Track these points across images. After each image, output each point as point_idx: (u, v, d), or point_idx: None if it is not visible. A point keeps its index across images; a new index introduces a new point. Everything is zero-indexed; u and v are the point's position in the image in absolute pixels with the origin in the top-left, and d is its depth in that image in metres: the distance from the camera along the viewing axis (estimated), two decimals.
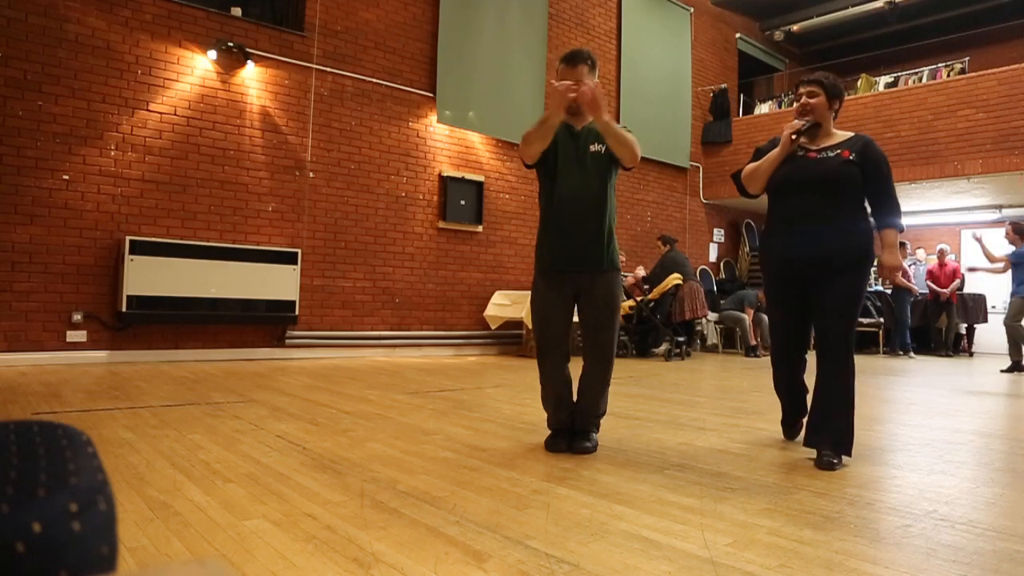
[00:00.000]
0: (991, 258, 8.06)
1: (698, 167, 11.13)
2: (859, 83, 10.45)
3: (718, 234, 11.63)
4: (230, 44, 6.19)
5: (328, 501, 2.02)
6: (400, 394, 4.35)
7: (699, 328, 9.55)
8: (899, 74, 10.65)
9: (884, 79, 10.66)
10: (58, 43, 5.41)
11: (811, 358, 2.92)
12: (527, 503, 2.07)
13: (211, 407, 3.60)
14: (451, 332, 7.78)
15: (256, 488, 2.13)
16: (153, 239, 5.70)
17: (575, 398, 2.94)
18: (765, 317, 8.80)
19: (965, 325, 10.74)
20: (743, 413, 4.00)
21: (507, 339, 8.17)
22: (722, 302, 9.74)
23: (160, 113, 5.92)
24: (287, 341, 6.51)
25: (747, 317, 9.04)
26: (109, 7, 5.65)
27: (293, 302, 6.40)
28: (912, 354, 9.84)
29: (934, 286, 10.14)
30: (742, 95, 12.09)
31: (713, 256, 11.52)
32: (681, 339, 8.22)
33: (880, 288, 10.84)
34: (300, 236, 6.66)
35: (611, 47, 9.73)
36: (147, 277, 5.59)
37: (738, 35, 11.98)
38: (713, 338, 10.40)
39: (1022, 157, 8.17)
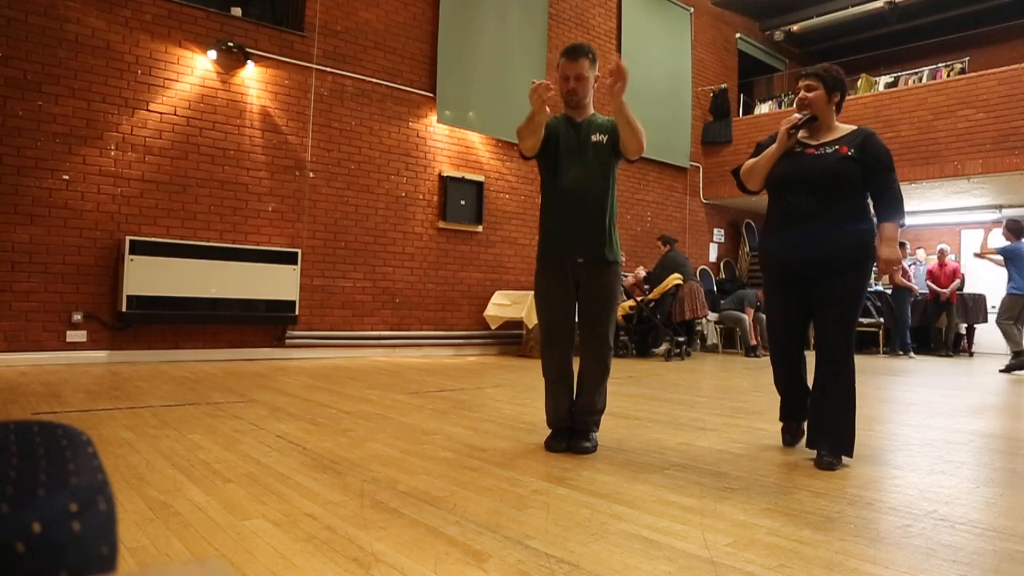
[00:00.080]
0: (984, 249, 8.10)
1: (698, 167, 11.13)
2: (859, 83, 10.46)
3: (718, 234, 11.63)
4: (230, 44, 6.19)
5: (328, 501, 2.02)
6: (400, 394, 4.35)
7: (699, 328, 9.55)
8: (899, 74, 10.66)
9: (884, 79, 10.67)
10: (58, 43, 5.41)
11: (810, 357, 2.90)
12: (527, 503, 2.07)
13: (211, 407, 3.60)
14: (451, 332, 7.78)
15: (256, 488, 2.13)
16: (153, 239, 5.70)
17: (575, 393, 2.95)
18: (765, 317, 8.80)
19: (965, 325, 10.74)
20: (743, 413, 4.00)
21: (507, 339, 8.17)
22: (722, 302, 9.74)
23: (160, 113, 5.92)
24: (287, 341, 6.51)
25: (747, 317, 9.04)
26: (109, 7, 5.65)
27: (293, 302, 6.40)
28: (912, 354, 9.84)
29: (934, 286, 10.14)
30: (742, 95, 12.10)
31: (713, 256, 11.52)
32: (681, 339, 8.22)
33: (880, 288, 10.84)
34: (300, 236, 6.66)
35: (611, 47, 9.73)
36: (147, 277, 5.59)
37: (738, 35, 11.98)
38: (713, 338, 10.40)
39: (1022, 157, 8.17)
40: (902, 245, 10.15)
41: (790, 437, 3.05)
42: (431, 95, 7.62)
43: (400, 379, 5.19)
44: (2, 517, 0.48)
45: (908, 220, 11.96)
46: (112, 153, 5.67)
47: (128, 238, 5.55)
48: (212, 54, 6.14)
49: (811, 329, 2.94)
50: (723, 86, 11.24)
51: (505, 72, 8.18)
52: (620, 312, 7.92)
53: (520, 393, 4.57)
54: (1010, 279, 7.59)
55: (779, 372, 3.03)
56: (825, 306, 2.75)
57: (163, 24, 5.93)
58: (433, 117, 7.66)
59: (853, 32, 11.88)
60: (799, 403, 3.02)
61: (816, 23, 11.51)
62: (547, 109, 2.77)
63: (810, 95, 2.83)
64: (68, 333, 5.43)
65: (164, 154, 5.93)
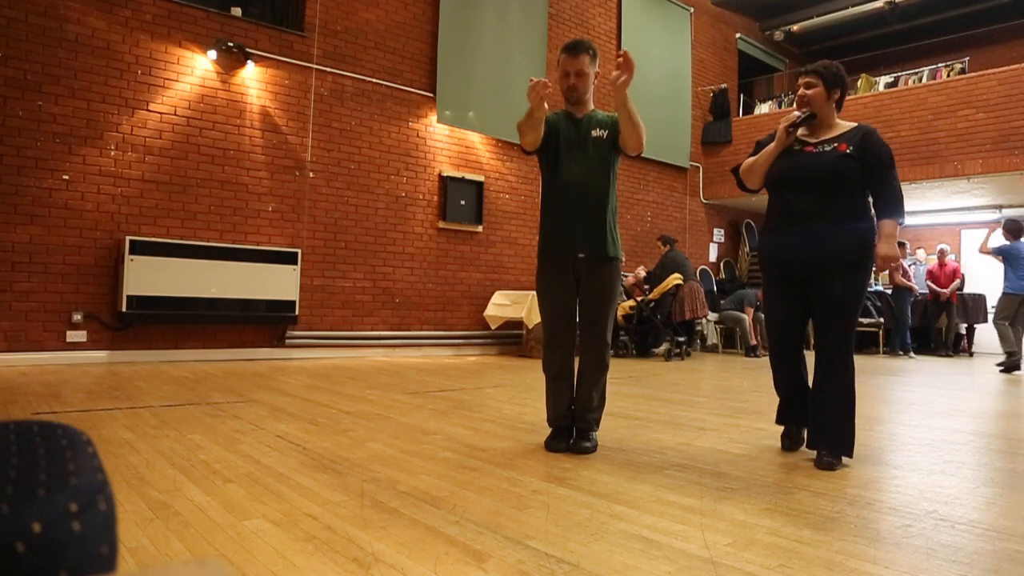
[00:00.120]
0: (984, 248, 8.13)
1: (698, 167, 11.13)
2: (859, 83, 10.46)
3: (718, 234, 11.63)
4: (230, 44, 6.19)
5: (328, 501, 2.02)
6: (400, 394, 4.35)
7: (699, 328, 9.55)
8: (899, 74, 10.66)
9: (884, 79, 10.67)
10: (58, 43, 5.41)
11: (809, 357, 2.89)
12: (527, 503, 2.07)
13: (211, 407, 3.60)
14: (451, 332, 7.78)
15: (256, 488, 2.13)
16: (153, 239, 5.70)
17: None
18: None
19: (965, 325, 10.74)
20: (743, 413, 4.00)
21: (507, 339, 8.17)
22: (722, 302, 9.74)
23: (160, 113, 5.92)
24: (287, 341, 6.51)
25: (747, 317, 9.04)
26: (109, 7, 5.65)
27: (293, 302, 6.40)
28: (912, 354, 9.84)
29: (934, 286, 10.14)
30: (742, 95, 12.10)
31: (713, 256, 11.52)
32: (681, 339, 8.22)
33: (880, 288, 10.84)
34: (300, 236, 6.66)
35: (611, 47, 9.72)
36: (147, 277, 5.59)
37: (738, 35, 11.99)
38: (713, 338, 10.40)
39: (1022, 157, 8.17)
40: (902, 245, 10.15)
41: (789, 442, 2.97)
42: (431, 95, 7.62)
43: (400, 379, 5.19)
44: (2, 517, 0.48)
45: (908, 220, 11.95)
46: (112, 153, 5.67)
47: (128, 238, 5.55)
48: (212, 54, 6.14)
49: (810, 329, 2.92)
50: (723, 86, 11.24)
51: (505, 72, 8.18)
52: (620, 312, 7.92)
53: (520, 393, 4.57)
54: (1006, 278, 7.60)
55: (778, 373, 2.98)
56: (825, 306, 2.73)
57: (163, 24, 5.93)
58: (433, 117, 7.66)
59: (853, 32, 11.89)
60: (799, 406, 2.95)
61: (816, 23, 11.51)
62: (545, 106, 2.77)
63: (809, 92, 2.80)
64: (68, 333, 5.43)
65: (164, 154, 5.93)
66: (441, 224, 7.73)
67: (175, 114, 6.00)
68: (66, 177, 5.46)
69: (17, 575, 0.47)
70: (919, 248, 11.60)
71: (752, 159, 2.94)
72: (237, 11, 6.36)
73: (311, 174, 6.77)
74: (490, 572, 1.52)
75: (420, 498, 2.07)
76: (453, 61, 7.73)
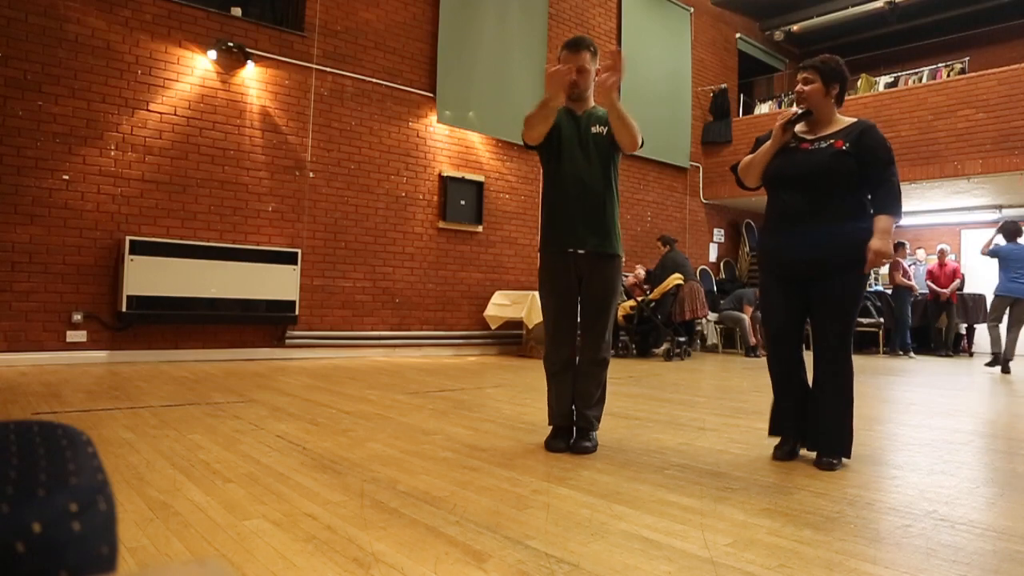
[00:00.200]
0: (985, 248, 8.15)
1: (698, 167, 11.13)
2: (859, 83, 10.46)
3: (718, 234, 11.63)
4: (230, 44, 6.19)
5: (328, 501, 2.02)
6: (400, 394, 4.35)
7: (699, 328, 9.55)
8: (899, 74, 10.66)
9: (884, 79, 10.67)
10: (58, 43, 5.41)
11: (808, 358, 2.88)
12: (527, 503, 2.07)
13: (211, 407, 3.60)
14: (451, 332, 7.78)
15: (256, 488, 2.13)
16: (153, 239, 5.70)
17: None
18: None
19: (965, 325, 10.74)
20: (743, 413, 4.00)
21: (507, 339, 8.17)
22: (721, 302, 9.74)
23: (160, 113, 5.92)
24: (287, 341, 6.51)
25: (746, 317, 9.04)
26: (109, 7, 5.65)
27: (293, 302, 6.40)
28: (912, 354, 9.84)
29: (934, 286, 10.14)
30: (742, 95, 12.10)
31: (713, 256, 11.52)
32: (682, 339, 8.22)
33: (880, 288, 10.84)
34: (300, 236, 6.66)
35: (611, 47, 9.72)
36: (147, 277, 5.59)
37: (738, 35, 11.99)
38: (713, 338, 10.40)
39: (1022, 157, 8.17)
40: (901, 245, 10.14)
41: (781, 454, 2.79)
42: (431, 95, 7.62)
43: (400, 379, 5.19)
44: (2, 517, 0.48)
45: (908, 220, 11.95)
46: (112, 153, 5.67)
47: (128, 238, 5.55)
48: (212, 54, 6.14)
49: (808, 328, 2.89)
50: (723, 86, 11.24)
51: (505, 72, 8.18)
52: (621, 312, 7.92)
53: (520, 393, 4.57)
54: (998, 279, 7.63)
55: (776, 376, 2.87)
56: (823, 306, 2.70)
57: (163, 24, 5.93)
58: (433, 117, 7.66)
59: (853, 32, 11.89)
60: (793, 417, 2.80)
61: (816, 23, 11.51)
62: (562, 96, 2.75)
63: (807, 88, 2.76)
64: (68, 333, 5.43)
65: (164, 154, 5.93)
66: (441, 224, 7.73)
67: (175, 114, 6.00)
68: (66, 177, 5.46)
69: (17, 575, 0.47)
70: (919, 248, 11.60)
71: (750, 157, 2.90)
72: (237, 11, 6.36)
73: (311, 174, 6.77)
74: (490, 572, 1.52)
75: (420, 498, 2.07)
76: (453, 61, 7.73)
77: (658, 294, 8.06)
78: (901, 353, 9.80)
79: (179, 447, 2.65)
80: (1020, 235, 7.58)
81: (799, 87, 2.79)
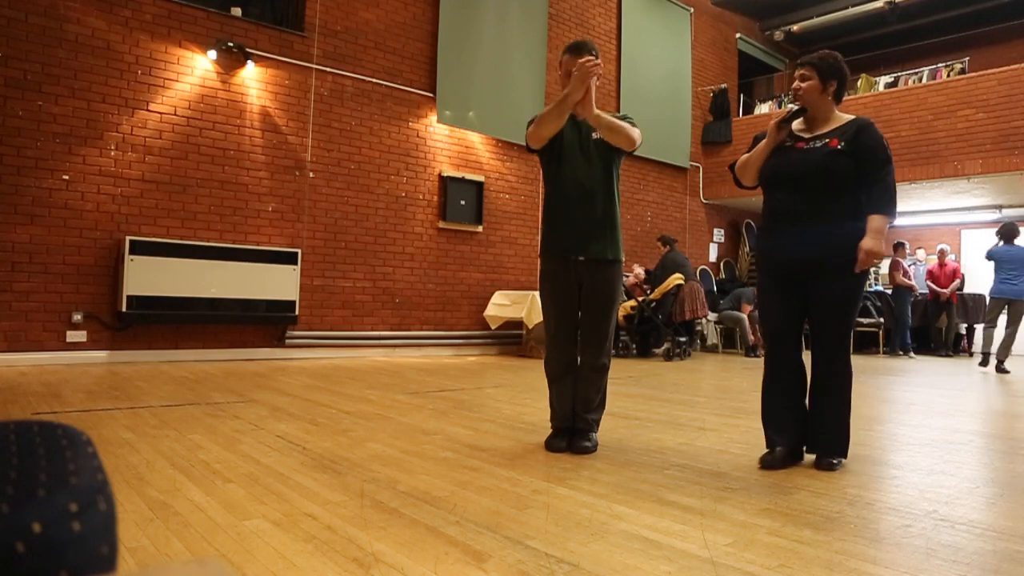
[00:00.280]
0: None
1: (698, 167, 11.13)
2: (859, 83, 10.46)
3: (718, 234, 11.63)
4: (230, 44, 6.19)
5: (328, 501, 2.02)
6: (400, 394, 4.35)
7: (699, 328, 9.55)
8: (899, 74, 10.66)
9: (884, 79, 10.67)
10: (58, 43, 5.41)
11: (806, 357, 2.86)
12: (527, 503, 2.07)
13: (211, 407, 3.60)
14: (451, 332, 7.78)
15: (256, 488, 2.13)
16: (153, 239, 5.70)
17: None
18: None
19: (965, 325, 10.74)
20: (743, 413, 4.00)
21: (507, 339, 8.17)
22: (721, 302, 9.74)
23: (160, 113, 5.92)
24: (287, 341, 6.51)
25: (745, 316, 9.04)
26: (109, 7, 5.65)
27: (293, 302, 6.40)
28: (912, 354, 9.84)
29: (934, 286, 10.14)
30: (742, 95, 12.10)
31: (713, 256, 11.52)
32: (683, 339, 8.22)
33: (880, 288, 10.83)
34: (300, 236, 6.66)
35: (611, 47, 9.73)
36: (147, 277, 5.59)
37: (738, 35, 11.98)
38: (713, 338, 10.40)
39: (1022, 157, 8.17)
40: (901, 245, 10.14)
41: (771, 459, 2.65)
42: (431, 95, 7.62)
43: (400, 379, 5.19)
44: (2, 517, 0.48)
45: (908, 220, 11.95)
46: (112, 153, 5.67)
47: (128, 238, 5.55)
48: (212, 54, 6.14)
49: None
50: (723, 86, 11.24)
51: (505, 72, 8.18)
52: (622, 312, 7.92)
53: (520, 393, 4.57)
54: (995, 281, 7.67)
55: (772, 374, 2.76)
56: (822, 307, 2.67)
57: (163, 24, 5.93)
58: (433, 117, 7.66)
59: (853, 32, 11.89)
60: (788, 425, 2.68)
61: (816, 23, 11.51)
62: (582, 91, 2.70)
63: (803, 85, 2.71)
64: (68, 333, 5.43)
65: (164, 154, 5.93)
66: (441, 224, 7.73)
67: (175, 114, 6.00)
68: (66, 177, 5.46)
69: (17, 575, 0.47)
70: (919, 248, 11.60)
71: (747, 155, 2.86)
72: (237, 11, 6.36)
73: (311, 174, 6.77)
74: (490, 572, 1.52)
75: (420, 498, 2.07)
76: (453, 61, 7.73)
77: (659, 294, 8.05)
78: (901, 353, 9.80)
79: (179, 447, 2.65)
80: (1016, 237, 7.59)
81: (795, 84, 2.75)
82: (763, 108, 11.87)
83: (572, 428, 2.91)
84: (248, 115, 6.40)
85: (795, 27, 11.75)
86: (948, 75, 9.88)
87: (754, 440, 3.18)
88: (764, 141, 2.79)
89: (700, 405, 4.31)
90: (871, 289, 10.89)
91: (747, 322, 9.03)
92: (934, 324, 10.43)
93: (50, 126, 5.38)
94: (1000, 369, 7.42)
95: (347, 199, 7.00)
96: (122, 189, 5.71)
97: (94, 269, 5.56)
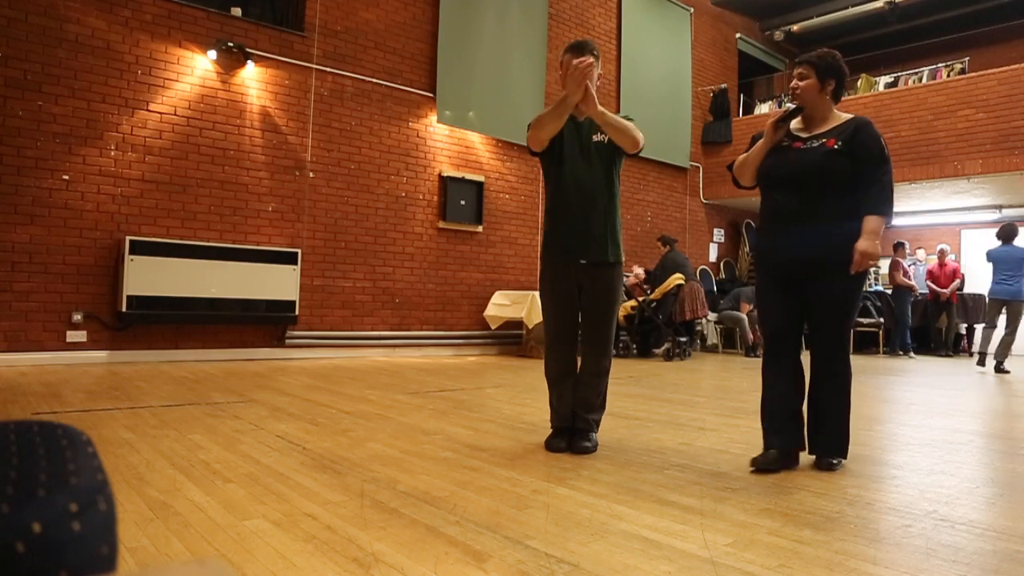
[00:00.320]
0: None
1: (698, 167, 11.13)
2: (859, 83, 10.46)
3: (718, 234, 11.63)
4: (230, 44, 6.19)
5: (328, 501, 2.02)
6: (400, 394, 4.35)
7: (699, 328, 9.55)
8: (899, 74, 10.66)
9: (884, 79, 10.67)
10: (58, 43, 5.41)
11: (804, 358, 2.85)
12: (527, 503, 2.07)
13: (211, 407, 3.60)
14: (451, 332, 7.78)
15: (256, 488, 2.13)
16: (153, 239, 5.70)
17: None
18: None
19: (965, 325, 10.74)
20: (743, 413, 4.00)
21: (507, 339, 8.17)
22: (720, 302, 9.74)
23: (160, 113, 5.92)
24: (287, 341, 6.51)
25: (745, 317, 9.04)
26: (109, 7, 5.65)
27: (293, 302, 6.40)
28: (912, 354, 9.84)
29: (934, 286, 10.14)
30: (742, 95, 12.10)
31: (713, 256, 11.52)
32: (683, 339, 8.22)
33: (880, 288, 10.83)
34: (300, 236, 6.66)
35: (611, 47, 9.73)
36: (147, 277, 5.59)
37: (738, 35, 11.98)
38: (713, 338, 10.40)
39: (1022, 157, 8.17)
40: (901, 245, 10.14)
41: (763, 461, 2.59)
42: (431, 95, 7.62)
43: (400, 379, 5.19)
44: (2, 517, 0.48)
45: (908, 220, 11.95)
46: (112, 153, 5.67)
47: (128, 238, 5.54)
48: (212, 54, 6.14)
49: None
50: (723, 86, 11.24)
51: (505, 72, 8.18)
52: (622, 313, 7.92)
53: (520, 393, 4.57)
54: (992, 282, 7.69)
55: (769, 374, 2.76)
56: (821, 307, 2.65)
57: (163, 24, 5.93)
58: (433, 117, 7.66)
59: (853, 32, 11.89)
60: (784, 426, 2.66)
61: (816, 23, 11.51)
62: (580, 93, 2.68)
63: (801, 84, 2.69)
64: (68, 333, 5.43)
65: (164, 154, 5.93)
66: (441, 224, 7.73)
67: (175, 114, 6.00)
68: (66, 177, 5.46)
69: (17, 575, 0.47)
70: (919, 248, 11.60)
71: (744, 155, 2.84)
72: (237, 11, 6.36)
73: (311, 174, 6.77)
74: (490, 572, 1.52)
75: (420, 498, 2.07)
76: (453, 61, 7.73)
77: (659, 294, 8.06)
78: (901, 353, 9.80)
79: (179, 447, 2.65)
80: (1014, 238, 7.60)
81: (793, 82, 2.73)
82: (763, 108, 11.88)
83: (572, 428, 2.91)
84: (248, 115, 6.40)
85: (795, 27, 11.76)
86: (948, 75, 9.89)
87: (754, 440, 3.18)
88: (761, 141, 2.77)
89: (700, 405, 4.31)
90: (871, 289, 10.89)
91: (747, 322, 9.03)
92: (934, 324, 10.43)
93: (50, 126, 5.38)
94: (1000, 369, 7.42)
95: (347, 199, 7.00)
96: (122, 189, 5.71)
97: (94, 269, 5.56)
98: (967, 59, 10.34)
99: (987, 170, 8.44)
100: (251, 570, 1.50)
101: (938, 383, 6.26)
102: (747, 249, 11.77)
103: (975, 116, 8.56)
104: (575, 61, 2.69)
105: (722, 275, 11.51)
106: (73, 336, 5.45)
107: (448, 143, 7.84)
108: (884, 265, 10.64)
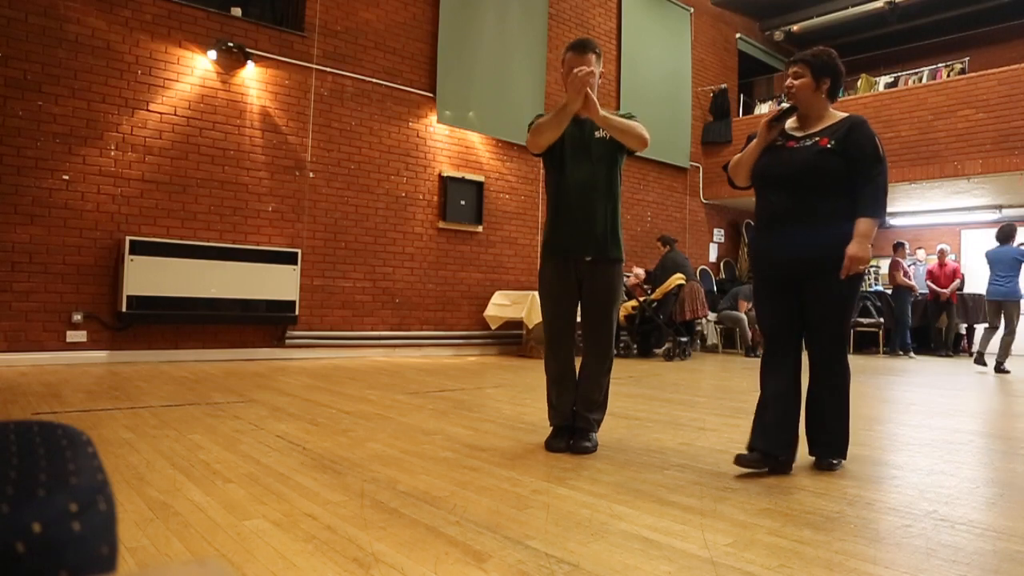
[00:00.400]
0: None
1: (698, 167, 11.13)
2: (859, 83, 10.46)
3: (718, 234, 11.63)
4: (230, 44, 6.19)
5: (328, 501, 2.02)
6: (400, 394, 4.35)
7: (699, 328, 9.56)
8: (899, 74, 10.66)
9: (884, 79, 10.67)
10: (58, 43, 5.41)
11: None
12: (527, 503, 2.07)
13: (211, 407, 3.60)
14: (451, 332, 7.78)
15: (256, 488, 2.13)
16: (153, 239, 5.70)
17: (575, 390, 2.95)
18: None
19: (965, 325, 10.75)
20: (743, 413, 4.00)
21: (507, 339, 8.17)
22: (720, 302, 9.75)
23: (160, 113, 5.92)
24: (287, 341, 6.51)
25: (744, 316, 9.04)
26: (109, 7, 5.65)
27: (293, 302, 6.40)
28: (912, 354, 9.84)
29: (934, 286, 10.14)
30: (742, 95, 12.10)
31: (713, 256, 11.52)
32: (684, 339, 8.22)
33: (880, 288, 10.83)
34: (300, 236, 6.66)
35: (611, 47, 9.73)
36: (147, 277, 5.59)
37: (738, 35, 11.99)
38: (713, 338, 10.40)
39: (1022, 157, 8.18)
40: (901, 245, 10.14)
41: (745, 459, 2.54)
42: (431, 95, 7.62)
43: (400, 379, 5.19)
44: (2, 517, 0.48)
45: (908, 220, 11.95)
46: (112, 153, 5.67)
47: (128, 238, 5.55)
48: (212, 54, 6.14)
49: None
50: (723, 86, 11.24)
51: (505, 72, 8.18)
52: (623, 313, 7.92)
53: (520, 393, 4.57)
54: (989, 282, 7.70)
55: (766, 375, 2.73)
56: (817, 308, 2.62)
57: (163, 24, 5.93)
58: (433, 117, 7.66)
59: (853, 32, 11.89)
60: (770, 429, 2.60)
61: (816, 23, 11.51)
62: (581, 101, 2.68)
63: (795, 83, 2.66)
64: (68, 333, 5.43)
65: (164, 154, 5.93)
66: (441, 224, 7.73)
67: (175, 114, 6.00)
68: (66, 177, 5.46)
69: (17, 575, 0.47)
70: (919, 248, 11.60)
71: (739, 155, 2.82)
72: (237, 11, 6.36)
73: (311, 174, 6.77)
74: (490, 572, 1.52)
75: (420, 498, 2.07)
76: (453, 61, 7.73)
77: (660, 294, 8.06)
78: (901, 353, 9.81)
79: (179, 447, 2.65)
80: (1010, 239, 7.60)
81: (788, 81, 2.70)
82: (763, 108, 11.88)
83: (573, 427, 2.91)
84: (248, 115, 6.40)
85: (795, 27, 11.75)
86: (948, 75, 9.89)
87: None
88: (755, 140, 2.75)
89: (700, 405, 4.31)
90: (871, 289, 10.89)
91: (746, 321, 9.03)
92: (934, 324, 10.43)
93: (50, 126, 5.38)
94: (1000, 369, 7.43)
95: (347, 199, 7.00)
96: (122, 189, 5.71)
97: (94, 269, 5.56)
98: (967, 59, 10.35)
99: (987, 170, 8.44)
100: (251, 570, 1.50)
101: (938, 383, 6.26)
102: (747, 249, 11.77)
103: (975, 116, 8.56)
104: (575, 70, 2.69)
105: (722, 275, 11.51)
106: (73, 336, 5.45)
107: (448, 143, 7.84)
108: (884, 265, 10.64)
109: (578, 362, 2.96)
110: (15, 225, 5.24)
